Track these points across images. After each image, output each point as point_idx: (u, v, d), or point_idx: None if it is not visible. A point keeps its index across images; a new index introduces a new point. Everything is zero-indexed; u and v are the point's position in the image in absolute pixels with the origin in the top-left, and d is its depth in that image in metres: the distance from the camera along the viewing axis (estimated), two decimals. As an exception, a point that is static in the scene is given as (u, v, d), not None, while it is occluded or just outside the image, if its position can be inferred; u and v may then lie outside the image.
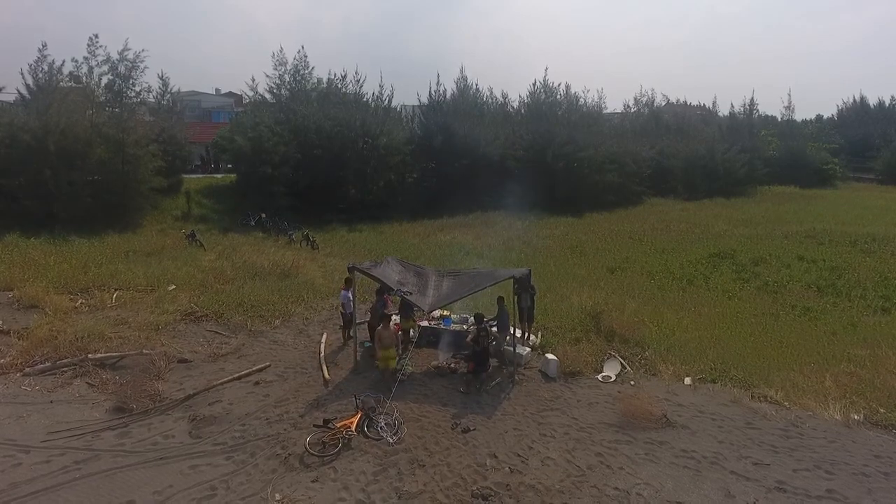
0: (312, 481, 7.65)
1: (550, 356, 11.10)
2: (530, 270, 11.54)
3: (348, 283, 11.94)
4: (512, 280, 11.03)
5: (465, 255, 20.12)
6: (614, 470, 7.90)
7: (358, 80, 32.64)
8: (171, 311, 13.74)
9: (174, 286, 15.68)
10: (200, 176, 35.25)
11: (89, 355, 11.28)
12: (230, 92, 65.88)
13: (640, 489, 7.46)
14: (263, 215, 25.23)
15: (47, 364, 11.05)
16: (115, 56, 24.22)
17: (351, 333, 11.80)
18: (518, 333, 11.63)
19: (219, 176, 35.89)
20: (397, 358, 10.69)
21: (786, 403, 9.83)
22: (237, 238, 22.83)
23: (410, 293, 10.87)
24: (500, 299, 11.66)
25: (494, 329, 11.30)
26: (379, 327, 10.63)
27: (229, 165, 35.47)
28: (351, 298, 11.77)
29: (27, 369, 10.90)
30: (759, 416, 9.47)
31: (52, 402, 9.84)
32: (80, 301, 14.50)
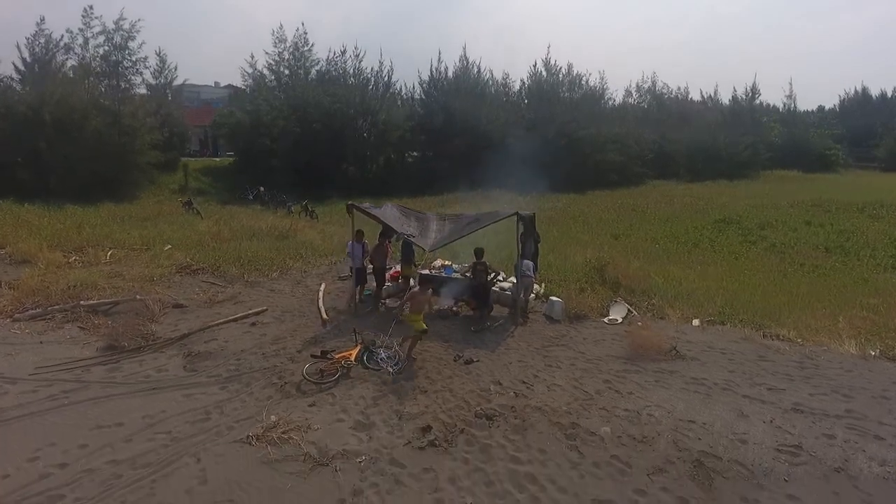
0: (309, 405, 7.35)
1: (555, 298, 10.80)
2: (534, 214, 11.22)
3: (360, 235, 11.05)
4: (517, 225, 10.68)
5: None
6: (623, 395, 7.61)
7: (357, 56, 32.31)
8: (166, 265, 13.45)
9: (170, 246, 15.37)
10: (199, 159, 34.98)
11: (81, 302, 10.98)
12: (230, 84, 65.70)
13: (651, 410, 7.16)
14: (262, 188, 24.93)
15: (38, 310, 10.75)
16: (111, 26, 23.93)
17: (360, 297, 11.18)
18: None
19: (217, 159, 35.63)
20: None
21: (799, 340, 9.53)
22: (235, 209, 22.55)
23: (413, 235, 10.57)
24: (520, 247, 11.18)
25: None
26: (414, 288, 9.45)
27: (229, 153, 35.16)
28: (359, 253, 10.87)
29: (17, 315, 10.59)
30: (772, 351, 9.18)
31: (41, 342, 9.54)
32: (73, 258, 14.19)
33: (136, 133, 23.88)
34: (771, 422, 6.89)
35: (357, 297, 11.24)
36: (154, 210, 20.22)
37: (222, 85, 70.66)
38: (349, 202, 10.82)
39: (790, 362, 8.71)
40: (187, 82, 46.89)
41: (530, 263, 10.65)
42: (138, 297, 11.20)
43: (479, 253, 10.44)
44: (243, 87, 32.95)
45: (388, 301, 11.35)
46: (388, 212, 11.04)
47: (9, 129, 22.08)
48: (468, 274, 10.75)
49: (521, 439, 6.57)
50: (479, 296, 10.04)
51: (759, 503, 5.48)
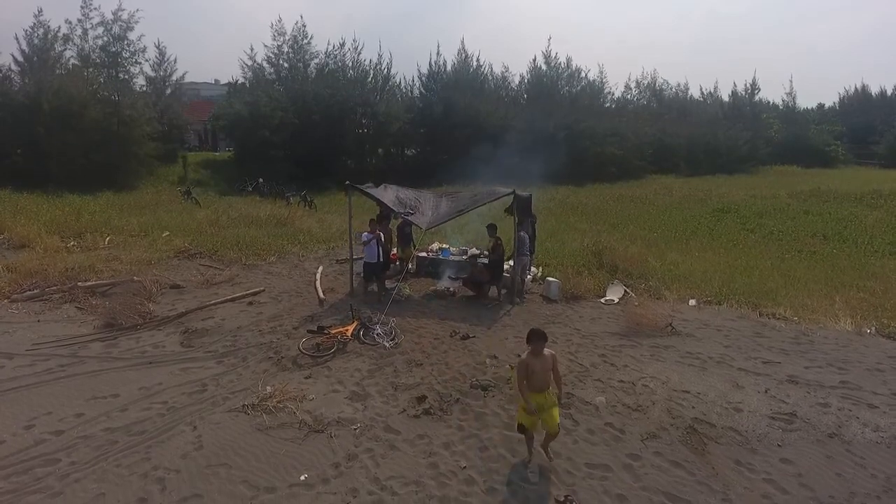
0: (305, 377, 7.38)
1: (552, 279, 10.82)
2: (531, 195, 11.22)
3: (373, 224, 10.50)
4: (512, 203, 10.68)
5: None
6: (618, 367, 7.63)
7: (356, 48, 32.22)
8: (164, 250, 13.46)
9: (168, 232, 15.37)
10: (198, 152, 34.94)
11: (79, 283, 10.99)
12: (229, 82, 65.61)
13: (646, 381, 7.18)
14: (261, 180, 24.89)
15: (35, 291, 10.76)
16: (109, 16, 23.92)
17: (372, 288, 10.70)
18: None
19: (217, 153, 35.62)
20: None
21: (795, 318, 9.55)
22: (234, 200, 22.50)
23: (412, 214, 10.59)
24: (517, 227, 11.23)
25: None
26: (525, 355, 5.35)
27: (228, 149, 35.09)
28: (374, 247, 10.21)
29: (14, 296, 10.59)
30: (768, 328, 9.20)
31: (39, 321, 9.55)
32: (71, 243, 14.19)
33: (135, 124, 23.86)
34: (766, 392, 6.92)
35: (370, 286, 10.82)
36: (152, 199, 20.24)
37: (222, 83, 70.83)
38: (347, 182, 10.81)
39: (786, 338, 8.73)
40: (187, 80, 46.98)
41: (525, 236, 10.63)
42: (135, 278, 11.22)
43: (492, 228, 10.54)
44: (243, 80, 32.93)
45: (386, 283, 11.34)
46: (385, 191, 11.04)
47: (8, 118, 22.08)
48: (486, 251, 10.95)
49: (515, 408, 6.58)
50: (495, 267, 10.17)
51: (753, 466, 5.49)
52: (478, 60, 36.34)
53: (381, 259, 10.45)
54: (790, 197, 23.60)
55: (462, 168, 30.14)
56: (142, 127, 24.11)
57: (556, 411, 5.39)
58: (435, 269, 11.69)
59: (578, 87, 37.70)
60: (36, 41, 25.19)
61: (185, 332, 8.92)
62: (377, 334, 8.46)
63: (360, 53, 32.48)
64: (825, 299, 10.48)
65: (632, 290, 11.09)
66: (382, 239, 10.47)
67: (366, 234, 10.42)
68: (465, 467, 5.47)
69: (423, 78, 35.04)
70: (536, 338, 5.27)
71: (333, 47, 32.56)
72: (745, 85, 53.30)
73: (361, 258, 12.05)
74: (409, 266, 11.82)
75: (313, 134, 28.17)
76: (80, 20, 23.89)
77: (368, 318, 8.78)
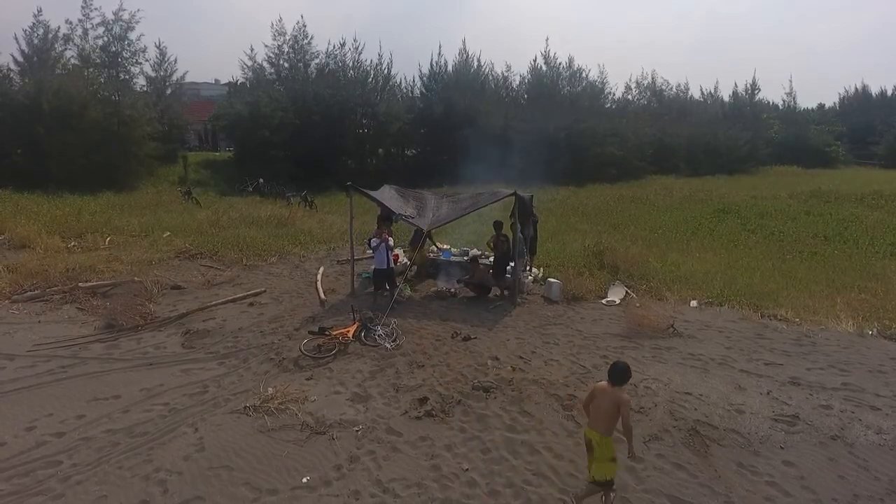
0: (307, 379, 7.37)
1: (553, 280, 10.81)
2: (532, 195, 11.22)
3: (380, 228, 10.30)
4: (514, 206, 10.70)
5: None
6: (620, 369, 7.60)
7: (357, 48, 32.23)
8: (165, 250, 13.46)
9: (169, 233, 15.37)
10: (198, 152, 34.93)
11: (80, 284, 10.99)
12: (230, 82, 65.58)
13: (648, 383, 7.17)
14: (261, 180, 24.89)
15: (36, 292, 10.75)
16: (110, 16, 23.91)
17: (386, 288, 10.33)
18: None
19: (217, 153, 35.63)
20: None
21: (796, 320, 9.54)
22: (234, 200, 22.49)
23: (413, 216, 10.57)
24: (513, 226, 11.24)
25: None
26: (600, 385, 4.75)
27: (229, 149, 35.07)
28: (383, 253, 10.03)
29: (15, 296, 10.59)
30: (770, 329, 9.19)
31: (39, 322, 9.55)
32: (72, 243, 14.18)
33: (136, 124, 23.85)
34: (768, 394, 6.91)
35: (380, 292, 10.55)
36: (153, 199, 20.25)
37: (222, 83, 70.77)
38: (348, 182, 10.82)
39: (788, 340, 8.72)
40: (187, 80, 46.94)
41: (521, 237, 10.66)
42: (136, 278, 11.21)
43: (498, 225, 10.62)
44: (243, 80, 32.96)
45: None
46: (386, 193, 11.04)
47: (8, 118, 22.06)
48: (488, 249, 11.22)
49: (517, 410, 6.58)
50: (501, 265, 10.18)
51: (755, 469, 5.49)
52: (478, 61, 36.39)
53: (391, 265, 10.44)
54: (791, 197, 23.61)
55: (462, 168, 30.18)
56: (142, 127, 24.10)
57: (615, 462, 4.75)
58: (436, 270, 11.68)
59: (579, 88, 37.68)
60: (36, 41, 25.17)
61: (186, 333, 8.92)
62: (378, 335, 8.45)
63: (360, 53, 32.51)
64: (826, 300, 10.47)
65: (633, 291, 11.09)
66: (391, 243, 10.38)
67: (374, 239, 10.31)
68: (467, 469, 5.46)
69: (424, 78, 35.09)
70: (623, 374, 4.65)
71: (334, 47, 32.60)
72: (745, 85, 53.29)
73: (362, 259, 12.13)
74: (411, 268, 11.79)
75: (313, 134, 28.16)
76: (80, 20, 23.95)
77: (370, 319, 8.77)
